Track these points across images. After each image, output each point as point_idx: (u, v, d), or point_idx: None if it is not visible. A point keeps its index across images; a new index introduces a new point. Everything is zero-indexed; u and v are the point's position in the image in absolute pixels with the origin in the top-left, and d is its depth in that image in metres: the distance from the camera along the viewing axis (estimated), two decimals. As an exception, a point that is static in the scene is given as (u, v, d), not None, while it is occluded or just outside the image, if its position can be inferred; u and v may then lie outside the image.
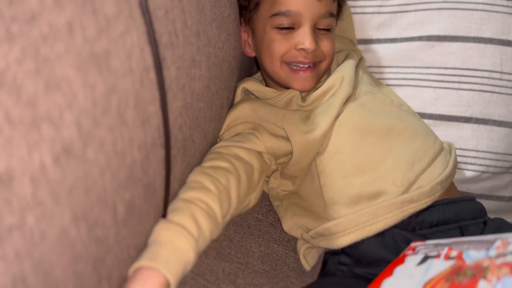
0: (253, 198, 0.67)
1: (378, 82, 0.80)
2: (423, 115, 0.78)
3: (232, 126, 0.71)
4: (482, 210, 0.65)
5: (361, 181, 0.63)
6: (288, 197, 0.71)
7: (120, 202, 0.42)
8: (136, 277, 0.47)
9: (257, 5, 0.71)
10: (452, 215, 0.61)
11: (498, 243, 0.41)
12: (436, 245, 0.48)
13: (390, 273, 0.47)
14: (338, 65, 0.73)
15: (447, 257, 0.44)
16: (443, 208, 0.61)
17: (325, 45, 0.70)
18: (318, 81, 0.73)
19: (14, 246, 0.31)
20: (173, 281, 0.47)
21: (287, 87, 0.73)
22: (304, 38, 0.67)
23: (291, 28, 0.69)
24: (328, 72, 0.75)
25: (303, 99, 0.71)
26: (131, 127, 0.42)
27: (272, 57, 0.70)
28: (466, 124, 0.77)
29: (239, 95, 0.75)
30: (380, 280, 0.47)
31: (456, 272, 0.40)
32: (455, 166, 0.66)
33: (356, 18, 0.84)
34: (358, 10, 0.84)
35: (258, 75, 0.83)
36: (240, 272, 0.64)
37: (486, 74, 0.76)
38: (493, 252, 0.40)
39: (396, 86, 0.80)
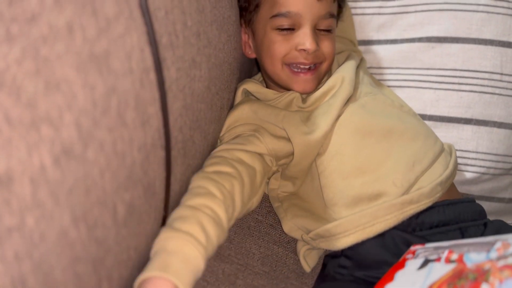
0: (255, 201, 0.67)
1: (378, 83, 0.80)
2: (423, 117, 0.78)
3: (232, 127, 0.71)
4: (482, 212, 0.65)
5: (361, 182, 0.63)
6: (288, 198, 0.71)
7: (120, 203, 0.42)
8: (148, 287, 0.46)
9: (257, 6, 0.71)
10: (453, 216, 0.61)
11: (498, 245, 0.41)
12: (436, 248, 0.48)
13: (391, 278, 0.47)
14: (339, 66, 0.73)
15: (448, 260, 0.43)
16: (443, 209, 0.61)
17: (326, 46, 0.70)
18: (319, 82, 0.73)
19: (14, 247, 0.31)
20: None
21: (287, 89, 0.73)
22: (304, 39, 0.67)
23: (291, 29, 0.69)
24: (329, 73, 0.75)
25: (304, 100, 0.71)
26: (131, 128, 0.41)
27: (272, 58, 0.70)
28: (466, 126, 0.77)
29: (239, 96, 0.75)
30: (382, 286, 0.47)
31: (458, 275, 0.40)
32: (456, 167, 0.66)
33: (356, 19, 0.84)
34: (358, 11, 0.84)
35: (259, 76, 0.83)
36: (240, 274, 0.64)
37: (486, 75, 0.76)
38: (493, 254, 0.40)
39: (397, 87, 0.80)
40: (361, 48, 0.84)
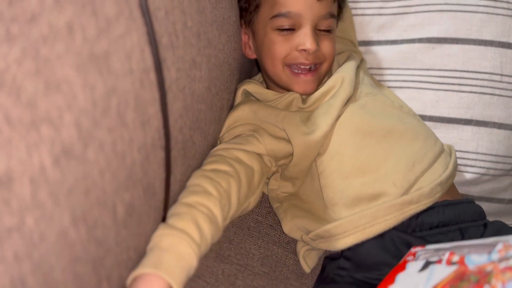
0: (252, 201, 0.67)
1: (378, 83, 0.80)
2: (423, 117, 0.78)
3: (232, 127, 0.71)
4: (482, 213, 0.65)
5: (361, 182, 0.63)
6: (288, 199, 0.71)
7: (119, 203, 0.42)
8: (140, 283, 0.46)
9: (257, 7, 0.71)
10: (452, 217, 0.61)
11: (499, 246, 0.41)
12: (436, 250, 0.48)
13: (392, 281, 0.47)
14: (339, 67, 0.73)
15: (449, 262, 0.43)
16: (443, 210, 0.61)
17: (326, 46, 0.70)
18: (320, 83, 0.73)
19: (13, 247, 0.31)
20: None
21: (288, 90, 0.73)
22: (305, 39, 0.67)
23: (291, 30, 0.69)
24: (329, 73, 0.75)
25: (304, 101, 0.71)
26: (131, 128, 0.41)
27: (273, 59, 0.70)
28: (466, 126, 0.77)
29: (239, 97, 0.75)
30: None
31: (460, 278, 0.40)
32: (455, 168, 0.66)
33: (356, 20, 0.84)
34: (359, 11, 0.84)
35: (259, 76, 0.83)
36: (240, 274, 0.64)
37: (486, 76, 0.76)
38: (495, 256, 0.40)
39: (397, 88, 0.80)
40: (361, 48, 0.84)
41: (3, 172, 0.29)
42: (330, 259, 0.64)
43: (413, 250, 0.51)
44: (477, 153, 0.76)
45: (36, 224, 0.32)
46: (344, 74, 0.70)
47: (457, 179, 0.73)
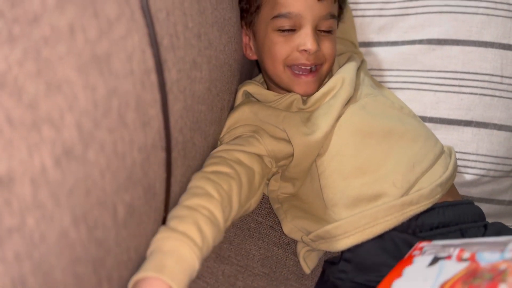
0: (253, 202, 0.67)
1: (379, 84, 0.80)
2: (423, 119, 0.78)
3: (232, 128, 0.71)
4: (481, 214, 0.65)
5: (361, 182, 0.63)
6: (288, 199, 0.71)
7: (120, 203, 0.42)
8: (142, 287, 0.46)
9: (258, 7, 0.71)
10: (453, 217, 0.61)
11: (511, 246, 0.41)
12: (444, 246, 0.47)
13: (399, 274, 0.46)
14: (340, 68, 0.73)
15: (460, 259, 0.43)
16: (443, 211, 0.61)
17: (327, 47, 0.70)
18: (320, 84, 0.73)
19: (14, 248, 0.31)
20: None
21: (288, 91, 0.73)
22: (306, 39, 0.67)
23: (292, 30, 0.69)
24: (330, 74, 0.75)
25: (304, 101, 0.71)
26: (132, 129, 0.42)
27: (274, 60, 0.70)
28: (467, 128, 0.77)
29: (239, 98, 0.75)
30: (390, 281, 0.46)
31: (472, 275, 0.39)
32: (455, 169, 0.66)
33: (356, 21, 0.85)
34: (359, 13, 0.84)
35: (259, 77, 0.83)
36: (240, 275, 0.64)
37: (486, 78, 0.76)
38: (508, 255, 0.39)
39: (397, 89, 0.81)
40: (362, 50, 0.84)
41: (4, 172, 0.30)
42: (330, 263, 0.64)
43: (419, 245, 0.51)
44: (477, 154, 0.76)
45: (37, 224, 0.32)
46: (344, 75, 0.70)
47: (457, 180, 0.73)
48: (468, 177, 0.77)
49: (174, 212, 0.54)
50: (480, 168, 0.76)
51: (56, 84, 0.33)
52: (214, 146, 0.68)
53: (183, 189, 0.58)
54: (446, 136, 0.77)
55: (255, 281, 0.64)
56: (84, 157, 0.36)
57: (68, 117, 0.34)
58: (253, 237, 0.69)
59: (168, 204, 0.53)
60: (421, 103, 0.78)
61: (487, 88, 0.76)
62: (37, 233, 0.32)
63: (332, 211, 0.64)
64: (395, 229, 0.59)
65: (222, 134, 0.71)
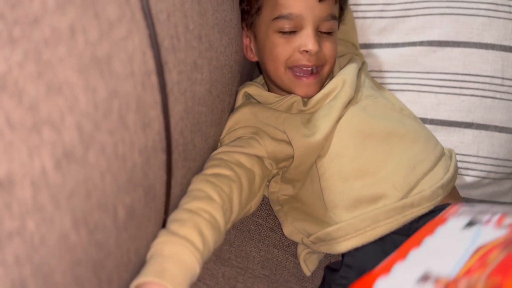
0: (253, 204, 0.67)
1: (380, 86, 0.80)
2: (424, 120, 0.78)
3: (232, 130, 0.71)
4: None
5: (361, 184, 0.63)
6: (288, 201, 0.70)
7: (120, 206, 0.42)
8: None
9: (259, 9, 0.71)
10: (454, 220, 0.61)
11: None
12: (482, 211, 0.45)
13: (431, 231, 0.44)
14: (341, 69, 0.73)
15: (499, 225, 0.41)
16: (444, 213, 0.61)
17: (328, 48, 0.70)
18: (321, 86, 0.73)
19: (14, 251, 0.31)
20: None
21: (289, 92, 0.73)
22: (307, 40, 0.67)
23: (293, 32, 0.69)
24: (330, 76, 0.75)
25: (305, 103, 0.71)
26: (132, 131, 0.41)
27: (275, 62, 0.70)
28: (467, 130, 0.77)
29: (240, 99, 0.75)
30: (421, 238, 0.44)
31: None
32: (456, 171, 0.66)
33: (357, 23, 0.85)
34: (360, 14, 0.84)
35: (260, 79, 0.83)
36: (240, 277, 0.64)
37: (487, 79, 0.76)
38: None
39: (398, 91, 0.80)
40: (362, 51, 0.84)
41: (4, 175, 0.29)
42: (331, 269, 0.64)
43: (455, 206, 0.49)
44: (478, 156, 0.76)
45: (37, 227, 0.32)
46: (345, 76, 0.70)
47: (457, 182, 0.73)
48: (468, 179, 0.77)
49: (175, 215, 0.53)
50: (481, 170, 0.76)
51: (57, 86, 0.32)
52: (215, 148, 0.68)
53: (184, 191, 0.58)
54: (447, 138, 0.77)
55: (255, 283, 0.64)
56: (85, 159, 0.36)
57: (69, 119, 0.34)
58: (253, 239, 0.69)
59: (169, 206, 0.53)
60: (422, 105, 0.78)
61: (488, 90, 0.76)
62: (37, 236, 0.32)
63: (333, 213, 0.64)
64: (396, 232, 0.59)
65: (223, 135, 0.71)
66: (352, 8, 0.84)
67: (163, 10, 0.44)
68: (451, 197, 0.64)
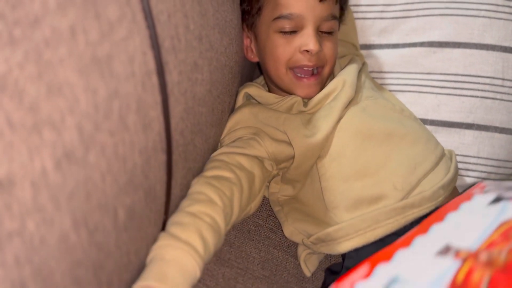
0: (253, 206, 0.67)
1: (380, 87, 0.80)
2: (424, 121, 0.78)
3: (233, 130, 0.71)
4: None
5: (361, 185, 0.62)
6: (289, 202, 0.70)
7: (120, 207, 0.42)
8: None
9: (259, 9, 0.71)
10: (454, 221, 0.61)
11: None
12: (508, 188, 0.44)
13: (455, 207, 0.44)
14: (341, 70, 0.73)
15: None
16: (445, 214, 0.61)
17: (328, 48, 0.70)
18: (322, 87, 0.73)
19: (14, 252, 0.30)
20: None
21: (290, 93, 0.73)
22: (308, 40, 0.67)
23: (294, 32, 0.69)
24: (331, 76, 0.75)
25: (305, 104, 0.71)
26: (133, 131, 0.41)
27: (276, 62, 0.70)
28: (468, 131, 0.76)
29: (240, 100, 0.75)
30: (444, 213, 0.43)
31: None
32: (457, 172, 0.66)
33: (357, 23, 0.84)
34: (360, 15, 0.84)
35: (260, 79, 0.83)
36: (240, 278, 0.64)
37: (488, 80, 0.76)
38: None
39: (398, 91, 0.80)
40: (363, 52, 0.84)
41: (5, 175, 0.29)
42: (331, 272, 0.64)
43: (481, 183, 0.49)
44: (478, 157, 0.76)
45: (37, 228, 0.32)
46: (345, 77, 0.70)
47: (458, 183, 0.73)
48: (469, 180, 0.77)
49: (176, 218, 0.53)
50: (481, 171, 0.76)
51: (57, 87, 0.32)
52: (215, 149, 0.68)
53: (184, 191, 0.58)
54: (447, 139, 0.77)
55: (255, 284, 0.64)
56: (85, 160, 0.36)
57: (69, 119, 0.34)
58: (253, 240, 0.69)
59: (169, 207, 0.53)
60: (422, 105, 0.78)
61: (488, 91, 0.76)
62: (37, 236, 0.32)
63: (333, 213, 0.63)
64: (396, 233, 0.58)
65: (223, 136, 0.71)
66: (353, 8, 0.84)
67: (163, 10, 0.44)
68: (453, 197, 0.64)
